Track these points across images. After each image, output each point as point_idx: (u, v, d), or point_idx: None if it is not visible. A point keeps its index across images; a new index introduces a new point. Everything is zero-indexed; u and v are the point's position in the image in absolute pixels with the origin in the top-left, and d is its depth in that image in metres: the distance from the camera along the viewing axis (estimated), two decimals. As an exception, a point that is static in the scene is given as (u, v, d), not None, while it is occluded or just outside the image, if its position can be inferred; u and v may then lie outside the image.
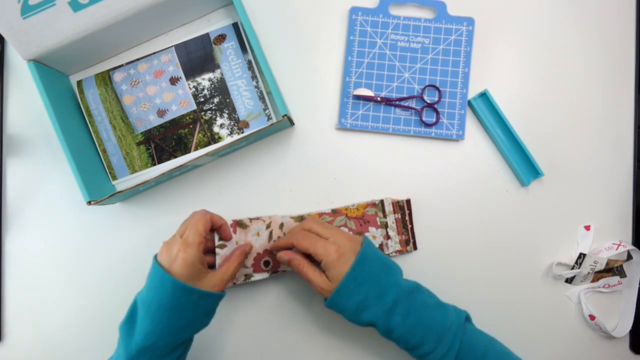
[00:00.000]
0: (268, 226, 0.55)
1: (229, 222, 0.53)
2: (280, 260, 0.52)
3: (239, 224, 0.54)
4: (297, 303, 0.59)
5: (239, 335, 0.59)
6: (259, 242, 0.55)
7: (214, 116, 0.60)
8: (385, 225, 0.58)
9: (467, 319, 0.51)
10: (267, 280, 0.59)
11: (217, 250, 0.51)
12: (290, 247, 0.52)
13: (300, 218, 0.58)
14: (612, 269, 0.58)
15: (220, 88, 0.59)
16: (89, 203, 0.52)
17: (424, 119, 0.60)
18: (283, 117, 0.53)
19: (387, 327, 0.47)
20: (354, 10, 0.60)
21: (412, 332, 0.47)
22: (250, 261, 0.54)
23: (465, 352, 0.47)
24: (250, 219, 0.55)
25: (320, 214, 0.59)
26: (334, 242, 0.49)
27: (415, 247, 0.59)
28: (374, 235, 0.59)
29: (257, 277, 0.55)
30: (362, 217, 0.59)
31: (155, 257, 0.47)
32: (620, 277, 0.59)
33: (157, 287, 0.45)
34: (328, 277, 0.48)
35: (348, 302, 0.48)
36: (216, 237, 0.51)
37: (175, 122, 0.60)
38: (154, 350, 0.45)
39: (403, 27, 0.60)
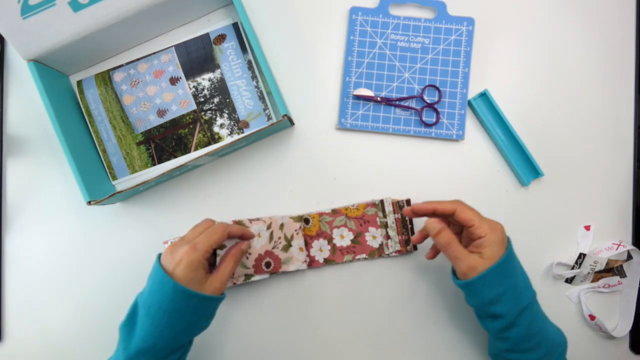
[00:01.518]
0: (269, 227, 0.55)
1: (230, 223, 0.53)
2: (429, 227, 0.48)
3: (239, 224, 0.54)
4: (297, 303, 0.59)
5: (238, 336, 0.59)
6: (260, 243, 0.55)
7: (214, 116, 0.60)
8: (385, 225, 0.58)
9: None
10: (267, 280, 0.59)
11: (217, 251, 0.51)
12: (432, 216, 0.50)
13: (300, 218, 0.58)
14: (612, 269, 0.58)
15: (220, 88, 0.59)
16: (89, 203, 0.52)
17: (424, 119, 0.60)
18: (283, 117, 0.53)
19: (511, 325, 0.47)
20: (354, 10, 0.60)
21: (530, 337, 0.47)
22: (251, 262, 0.54)
23: None
24: (250, 220, 0.55)
25: (320, 214, 0.59)
26: (497, 224, 0.48)
27: (415, 247, 0.59)
28: (374, 235, 0.59)
29: (257, 277, 0.55)
30: (362, 217, 0.59)
31: (159, 258, 0.47)
32: (620, 277, 0.59)
33: (158, 289, 0.45)
34: (483, 255, 0.46)
35: (487, 290, 0.46)
36: None
37: (175, 122, 0.60)
38: (153, 352, 0.45)
39: (403, 27, 0.60)
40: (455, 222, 0.50)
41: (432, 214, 0.50)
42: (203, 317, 0.48)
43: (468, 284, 0.47)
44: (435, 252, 0.53)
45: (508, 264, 0.47)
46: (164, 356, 0.46)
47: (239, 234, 0.51)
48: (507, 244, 0.48)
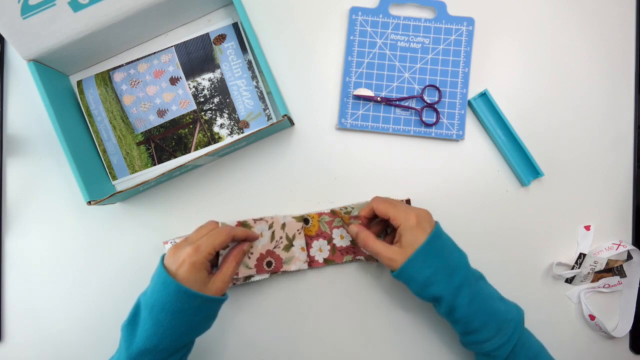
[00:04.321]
0: (270, 226, 0.56)
1: (234, 223, 0.53)
2: (350, 233, 0.54)
3: (243, 224, 0.54)
4: (297, 303, 0.59)
5: (239, 335, 0.59)
6: (261, 242, 0.55)
7: (214, 116, 0.60)
8: (386, 225, 0.59)
9: None
10: (268, 280, 0.59)
11: (220, 251, 0.51)
12: (369, 222, 0.55)
13: (301, 218, 0.58)
14: (612, 269, 0.58)
15: (220, 88, 0.59)
16: (89, 203, 0.52)
17: (424, 119, 0.60)
18: (283, 117, 0.53)
19: (452, 305, 0.48)
20: (354, 10, 0.60)
21: (475, 315, 0.48)
22: (253, 262, 0.54)
23: (519, 349, 0.48)
24: (255, 220, 0.55)
25: (320, 214, 0.59)
26: (412, 211, 0.50)
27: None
28: None
29: (258, 277, 0.55)
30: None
31: (162, 258, 0.47)
32: (620, 277, 0.59)
33: (161, 289, 0.45)
34: (402, 244, 0.49)
35: (419, 273, 0.48)
36: None
37: (175, 122, 0.60)
38: (155, 352, 0.45)
39: (403, 27, 0.60)
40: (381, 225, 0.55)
41: (369, 220, 0.55)
42: (205, 318, 0.48)
43: (400, 274, 0.49)
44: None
45: (433, 246, 0.48)
46: (166, 356, 0.46)
47: (243, 237, 0.52)
48: (433, 226, 0.49)
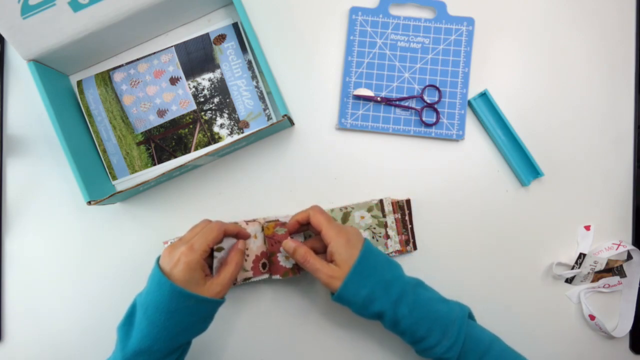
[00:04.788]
0: (263, 228, 0.55)
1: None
2: (285, 248, 0.51)
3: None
4: (297, 303, 0.59)
5: (238, 336, 0.59)
6: (256, 244, 0.54)
7: (214, 116, 0.60)
8: (385, 225, 0.58)
9: (470, 315, 0.51)
10: (266, 281, 0.59)
11: (215, 253, 0.50)
12: (300, 228, 0.53)
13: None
14: (612, 269, 0.58)
15: (220, 88, 0.59)
16: (89, 203, 0.52)
17: (424, 119, 0.60)
18: (283, 117, 0.53)
19: (395, 318, 0.48)
20: (354, 10, 0.60)
21: (419, 324, 0.48)
22: (249, 264, 0.54)
23: (469, 346, 0.48)
24: (247, 222, 0.55)
25: (276, 224, 0.55)
26: (342, 229, 0.50)
27: (415, 247, 0.59)
28: (287, 255, 0.54)
29: (256, 278, 0.55)
30: (273, 236, 0.54)
31: (158, 259, 0.47)
32: (620, 277, 0.59)
33: (155, 290, 0.45)
34: (337, 262, 0.48)
35: (357, 294, 0.47)
36: None
37: (175, 122, 0.60)
38: (150, 353, 0.45)
39: (403, 27, 0.60)
40: (315, 232, 0.52)
41: (300, 225, 0.52)
42: (201, 319, 0.48)
43: (339, 297, 0.48)
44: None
45: (366, 264, 0.48)
46: (160, 357, 0.45)
47: (235, 232, 0.51)
48: (362, 244, 0.49)
